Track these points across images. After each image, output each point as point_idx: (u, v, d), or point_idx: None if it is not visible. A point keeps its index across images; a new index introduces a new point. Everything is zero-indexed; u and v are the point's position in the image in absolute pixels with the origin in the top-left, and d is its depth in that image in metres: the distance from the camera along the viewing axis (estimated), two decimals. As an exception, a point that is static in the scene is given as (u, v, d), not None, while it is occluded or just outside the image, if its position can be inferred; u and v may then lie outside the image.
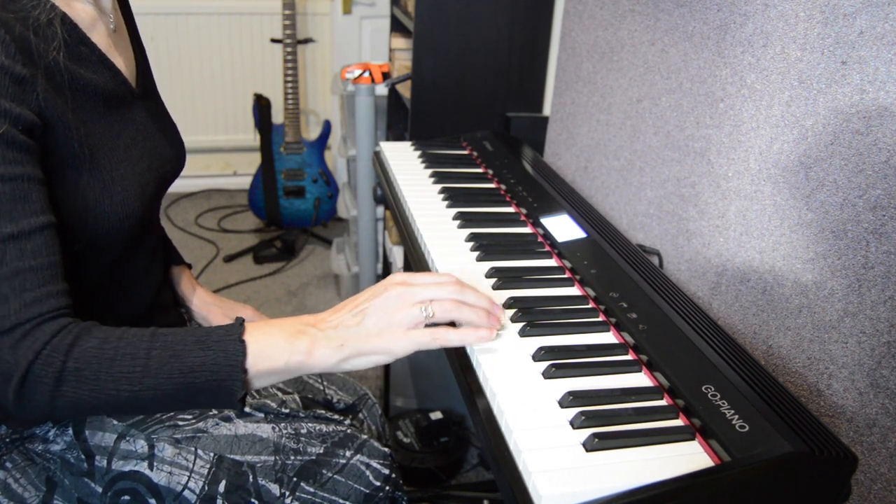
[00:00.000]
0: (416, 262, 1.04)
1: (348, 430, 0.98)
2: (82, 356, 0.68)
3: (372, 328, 0.74)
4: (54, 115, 0.72)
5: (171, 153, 0.93)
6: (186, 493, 0.87)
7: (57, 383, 0.67)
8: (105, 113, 0.81)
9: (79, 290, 0.75)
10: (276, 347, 0.73)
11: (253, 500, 0.89)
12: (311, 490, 0.91)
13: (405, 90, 1.88)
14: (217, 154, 3.41)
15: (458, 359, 0.80)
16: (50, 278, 0.69)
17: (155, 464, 0.88)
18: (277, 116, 2.88)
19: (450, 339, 0.75)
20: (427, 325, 0.76)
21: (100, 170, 0.78)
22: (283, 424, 0.95)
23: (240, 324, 0.74)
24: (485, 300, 0.80)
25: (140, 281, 0.95)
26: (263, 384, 0.75)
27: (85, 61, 0.79)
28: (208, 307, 1.11)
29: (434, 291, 0.76)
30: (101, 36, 0.82)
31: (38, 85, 0.70)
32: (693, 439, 0.67)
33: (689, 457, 0.65)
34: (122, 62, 0.86)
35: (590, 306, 0.89)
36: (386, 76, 2.17)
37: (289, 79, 2.79)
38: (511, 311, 0.85)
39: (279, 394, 1.02)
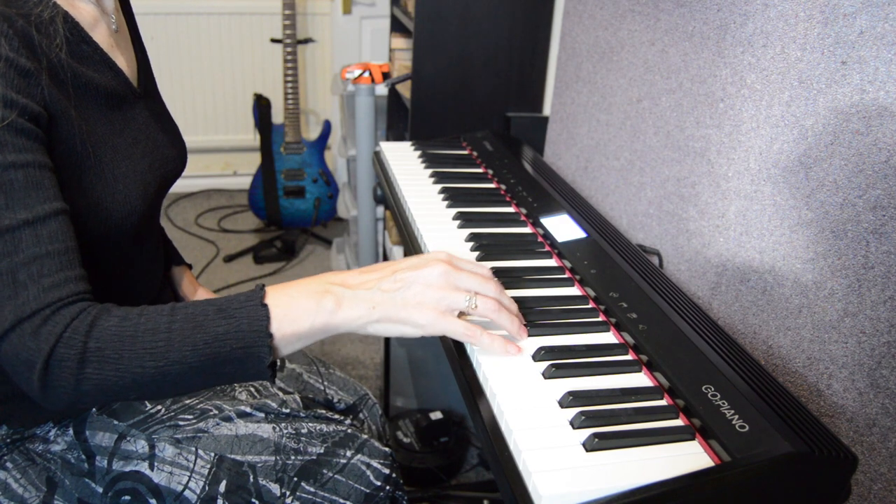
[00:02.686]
0: (416, 262, 1.04)
1: (349, 430, 0.98)
2: (103, 335, 0.67)
3: (410, 298, 0.73)
4: (58, 111, 0.72)
5: (173, 153, 0.94)
6: (187, 493, 0.87)
7: (80, 365, 0.66)
8: (107, 112, 0.81)
9: None
10: (301, 308, 0.71)
11: (253, 500, 0.89)
12: (312, 490, 0.91)
13: (405, 90, 1.88)
14: (217, 154, 3.41)
15: (459, 359, 0.80)
16: (67, 263, 0.68)
17: (155, 464, 0.88)
18: (277, 116, 2.88)
19: (482, 341, 0.75)
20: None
21: (102, 168, 0.78)
22: (283, 424, 0.95)
23: (260, 288, 0.73)
24: (516, 307, 0.80)
25: (141, 281, 0.95)
26: (291, 349, 0.73)
27: (87, 60, 0.79)
28: (209, 308, 1.11)
29: (479, 284, 0.76)
30: (102, 35, 0.82)
31: (42, 79, 0.70)
32: (693, 439, 0.67)
33: (689, 457, 0.65)
34: (124, 62, 0.86)
35: (590, 306, 0.89)
36: (386, 76, 2.17)
37: (289, 79, 2.80)
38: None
39: (280, 394, 1.02)
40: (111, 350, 0.67)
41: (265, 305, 0.70)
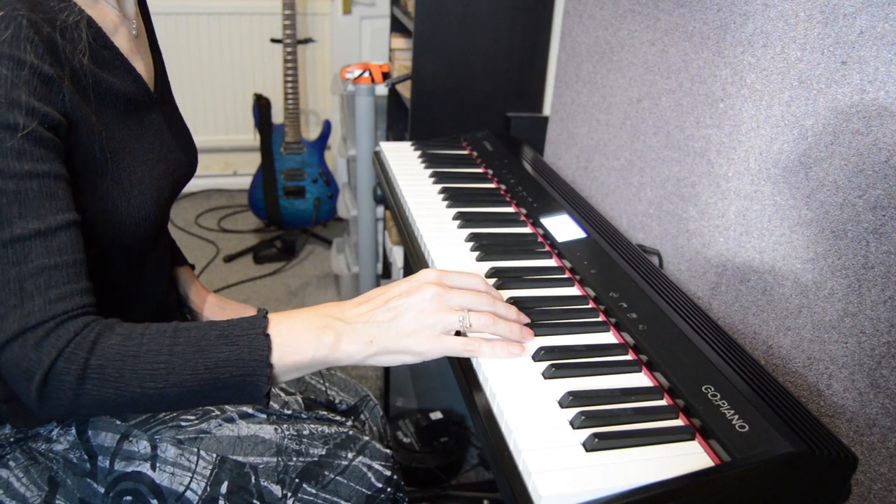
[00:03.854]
0: (416, 262, 1.04)
1: (350, 432, 0.98)
2: (105, 353, 0.67)
3: (405, 327, 0.73)
4: (78, 118, 0.72)
5: (185, 158, 0.94)
6: (188, 493, 0.87)
7: (80, 381, 0.66)
8: (125, 117, 0.82)
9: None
10: (302, 341, 0.72)
11: (255, 501, 0.89)
12: (313, 491, 0.91)
13: (405, 90, 1.88)
14: (217, 154, 3.41)
15: (458, 358, 0.80)
16: (74, 276, 0.69)
17: (157, 464, 0.88)
18: (277, 116, 2.88)
19: (482, 352, 0.75)
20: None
21: (119, 174, 0.78)
22: (285, 426, 0.95)
23: (263, 316, 0.73)
24: (514, 312, 0.80)
25: (149, 283, 0.95)
26: (288, 378, 0.74)
27: (108, 65, 0.79)
28: (211, 308, 1.11)
29: (471, 300, 0.76)
30: (123, 40, 0.83)
31: (64, 86, 0.70)
32: (693, 439, 0.67)
33: (689, 457, 0.65)
34: (143, 67, 0.86)
35: (590, 306, 0.89)
36: (386, 76, 2.17)
37: (289, 79, 2.80)
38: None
39: (282, 395, 1.02)
40: (112, 369, 0.67)
41: (268, 335, 0.71)
